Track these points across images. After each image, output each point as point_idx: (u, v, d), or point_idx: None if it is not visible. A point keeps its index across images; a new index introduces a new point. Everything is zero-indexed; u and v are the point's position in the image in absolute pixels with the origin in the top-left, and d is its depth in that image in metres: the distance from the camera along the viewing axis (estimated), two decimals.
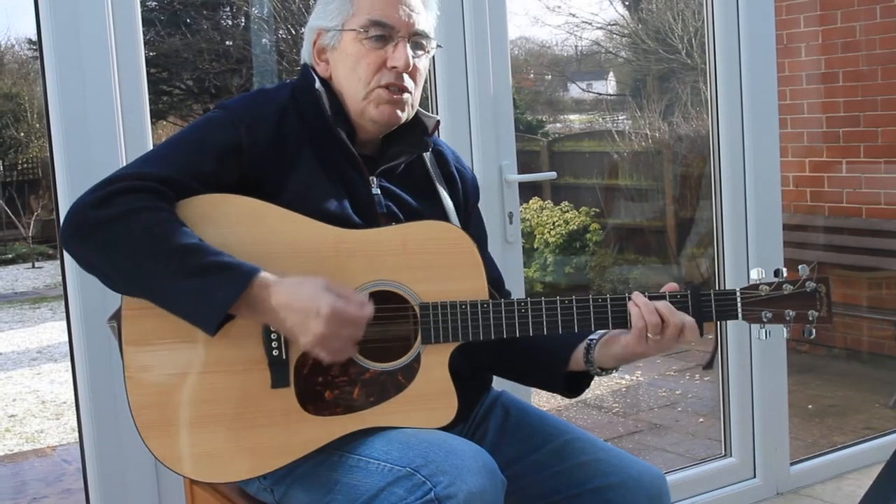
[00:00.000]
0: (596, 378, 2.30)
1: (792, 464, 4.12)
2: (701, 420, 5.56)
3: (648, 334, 2.10)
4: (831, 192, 6.36)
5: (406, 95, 2.21)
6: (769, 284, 2.17)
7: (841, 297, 6.42)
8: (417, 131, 2.30)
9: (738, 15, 3.83)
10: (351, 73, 2.19)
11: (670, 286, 2.18)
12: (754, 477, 4.02)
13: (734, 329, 3.94)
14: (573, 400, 6.01)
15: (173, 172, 2.01)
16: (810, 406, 5.45)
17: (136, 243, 1.92)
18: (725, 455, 4.05)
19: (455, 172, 2.40)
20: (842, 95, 6.27)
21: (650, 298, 2.13)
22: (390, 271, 2.09)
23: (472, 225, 2.43)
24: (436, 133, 2.39)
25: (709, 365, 6.38)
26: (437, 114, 3.31)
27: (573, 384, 2.31)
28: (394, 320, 2.12)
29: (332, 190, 2.15)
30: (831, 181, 6.36)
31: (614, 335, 2.18)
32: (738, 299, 2.16)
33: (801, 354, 6.37)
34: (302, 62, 2.32)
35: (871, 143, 6.15)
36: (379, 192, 2.22)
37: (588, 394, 6.08)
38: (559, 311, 2.12)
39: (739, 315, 2.16)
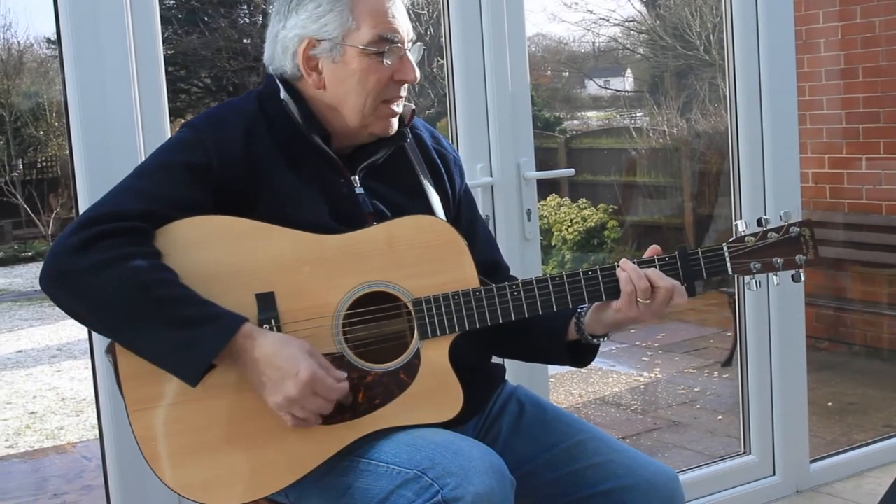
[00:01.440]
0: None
1: (811, 462, 4.10)
2: (720, 417, 5.55)
3: (638, 298, 2.12)
4: (851, 189, 6.34)
5: (402, 103, 2.23)
6: (754, 235, 2.19)
7: (861, 295, 6.40)
8: None
9: (756, 10, 3.81)
10: (358, 89, 2.15)
11: (654, 249, 2.19)
12: (774, 475, 4.01)
13: (753, 326, 3.92)
14: (591, 397, 6.02)
15: (149, 204, 2.00)
16: (830, 404, 5.44)
17: (114, 295, 1.91)
18: (744, 453, 4.04)
19: (436, 157, 2.38)
20: (861, 91, 6.24)
21: (639, 265, 2.14)
22: (379, 271, 2.09)
23: (464, 209, 2.42)
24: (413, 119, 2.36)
25: (728, 362, 6.36)
26: (455, 111, 3.31)
27: (577, 354, 2.30)
28: (389, 320, 2.11)
29: (312, 197, 2.14)
30: (851, 178, 6.33)
31: (605, 302, 2.18)
32: (726, 253, 2.18)
33: (820, 352, 6.35)
34: (268, 71, 2.26)
35: (891, 139, 6.12)
36: (363, 190, 2.22)
37: (606, 391, 6.08)
38: (551, 289, 2.13)
39: (729, 269, 2.18)
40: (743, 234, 2.19)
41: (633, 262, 2.14)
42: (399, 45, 2.16)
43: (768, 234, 2.18)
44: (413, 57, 2.20)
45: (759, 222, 2.19)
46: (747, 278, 2.20)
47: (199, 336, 1.90)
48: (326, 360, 2.00)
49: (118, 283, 1.90)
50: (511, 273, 2.46)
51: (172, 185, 2.04)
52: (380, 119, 2.19)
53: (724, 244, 2.18)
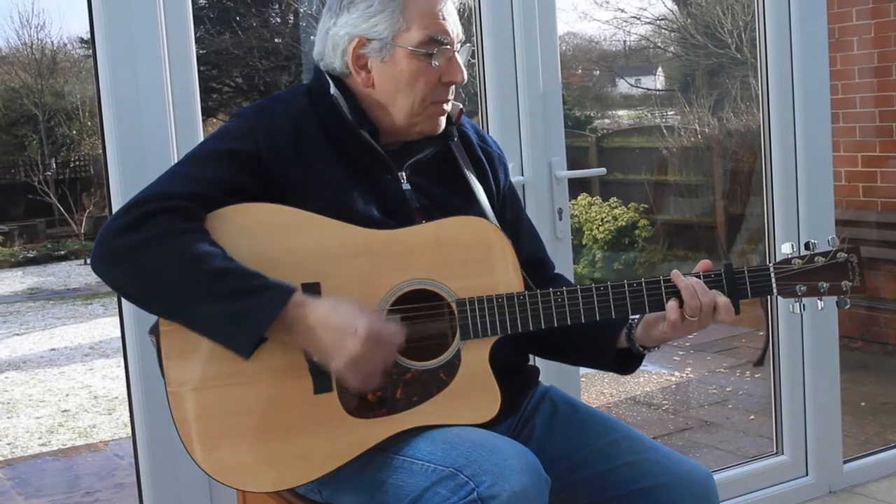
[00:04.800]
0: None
1: (845, 462, 4.07)
2: (752, 417, 5.53)
3: (686, 316, 2.12)
4: (884, 188, 6.29)
5: (450, 104, 2.23)
6: (801, 258, 2.18)
7: (894, 294, 6.35)
8: None
9: (789, 8, 3.79)
10: (407, 90, 2.16)
11: (703, 264, 2.18)
12: (806, 475, 3.98)
13: (786, 325, 3.91)
14: (623, 396, 6.00)
15: (199, 187, 2.02)
16: (863, 403, 5.40)
17: (164, 270, 1.92)
18: (777, 453, 4.02)
19: (481, 156, 2.38)
20: (895, 89, 6.19)
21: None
22: (424, 269, 2.09)
23: (509, 207, 2.42)
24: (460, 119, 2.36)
25: (760, 362, 6.33)
26: (487, 110, 3.31)
27: (623, 361, 2.30)
28: (431, 318, 2.12)
29: (360, 191, 2.14)
30: (884, 176, 6.28)
31: (653, 317, 2.19)
32: (772, 275, 2.17)
33: (853, 351, 6.31)
34: (316, 64, 2.28)
35: None
36: (410, 187, 2.22)
37: (638, 390, 6.07)
38: (595, 298, 2.13)
39: (774, 290, 2.17)
40: (789, 256, 2.18)
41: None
42: (448, 46, 2.17)
43: (815, 259, 2.17)
44: (461, 58, 2.20)
45: (807, 246, 2.18)
46: (792, 301, 2.19)
47: (251, 307, 1.91)
48: (378, 313, 2.02)
49: (168, 258, 1.92)
50: (556, 271, 2.46)
51: (221, 170, 2.05)
52: (428, 119, 2.20)
53: (771, 265, 2.18)
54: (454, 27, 2.18)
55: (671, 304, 2.12)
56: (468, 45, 2.25)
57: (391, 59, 2.16)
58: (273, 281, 1.95)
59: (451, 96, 2.22)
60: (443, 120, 2.23)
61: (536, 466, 1.96)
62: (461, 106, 2.31)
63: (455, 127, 2.30)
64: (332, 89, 2.19)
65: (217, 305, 1.92)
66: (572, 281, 2.69)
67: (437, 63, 2.15)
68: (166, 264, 1.92)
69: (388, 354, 1.98)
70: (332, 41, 2.22)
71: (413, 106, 2.17)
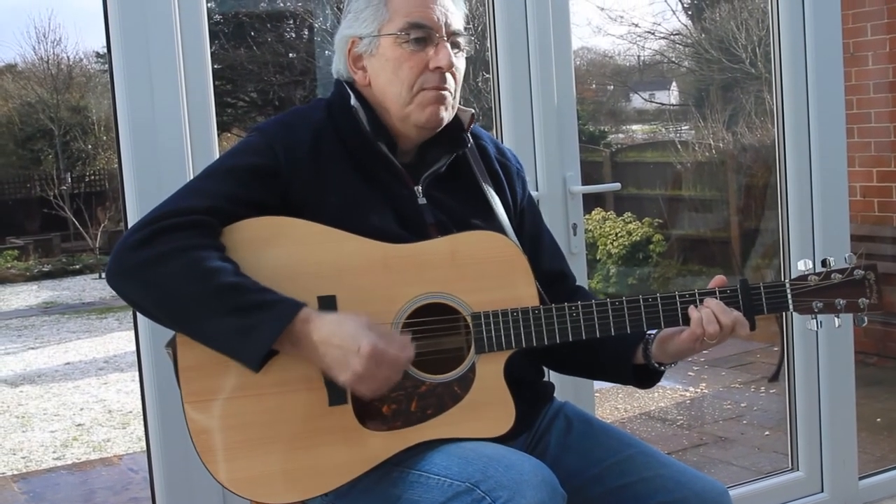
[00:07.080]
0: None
1: (860, 478, 4.05)
2: (767, 433, 5.51)
3: (705, 339, 2.11)
4: None
5: (447, 95, 2.21)
6: (818, 275, 2.17)
7: None
8: (454, 129, 2.28)
9: (804, 23, 3.78)
10: (393, 78, 2.18)
11: (718, 280, 2.18)
12: (822, 491, 3.96)
13: (801, 340, 3.89)
14: (637, 412, 5.99)
15: (215, 202, 2.03)
16: (879, 419, 5.37)
17: (176, 284, 1.94)
18: (792, 469, 4.00)
19: (498, 169, 2.38)
20: None
21: (699, 295, 2.13)
22: (440, 283, 2.09)
23: (528, 220, 2.42)
24: (473, 125, 2.35)
25: (775, 377, 6.31)
26: (501, 125, 3.31)
27: (642, 375, 2.29)
28: (446, 332, 2.12)
29: (377, 205, 2.15)
30: None
31: (669, 333, 2.18)
32: (788, 291, 2.17)
33: (869, 367, 6.28)
34: (335, 77, 2.31)
35: None
36: (425, 201, 2.22)
37: (652, 406, 6.05)
38: (610, 313, 2.13)
39: (790, 307, 2.17)
40: (806, 273, 2.17)
41: (695, 293, 2.13)
42: (432, 30, 2.17)
43: (832, 275, 2.16)
44: (451, 48, 2.19)
45: (824, 263, 2.18)
46: (808, 318, 2.18)
47: (258, 322, 1.92)
48: (388, 329, 2.02)
49: (180, 273, 1.93)
50: (577, 283, 2.46)
51: (239, 185, 2.07)
52: (420, 107, 2.18)
53: (787, 281, 2.17)
54: (442, 16, 2.18)
55: (696, 316, 2.12)
56: (467, 38, 2.25)
57: (377, 49, 2.19)
58: (282, 296, 1.96)
59: (445, 84, 2.19)
60: (443, 111, 2.20)
61: (553, 482, 1.96)
62: (472, 111, 2.31)
63: (468, 133, 2.29)
64: (353, 100, 2.21)
65: (226, 319, 1.93)
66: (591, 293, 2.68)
67: (421, 49, 2.16)
68: (178, 279, 1.94)
69: (393, 371, 1.98)
70: (337, 49, 2.28)
71: (401, 94, 2.17)
